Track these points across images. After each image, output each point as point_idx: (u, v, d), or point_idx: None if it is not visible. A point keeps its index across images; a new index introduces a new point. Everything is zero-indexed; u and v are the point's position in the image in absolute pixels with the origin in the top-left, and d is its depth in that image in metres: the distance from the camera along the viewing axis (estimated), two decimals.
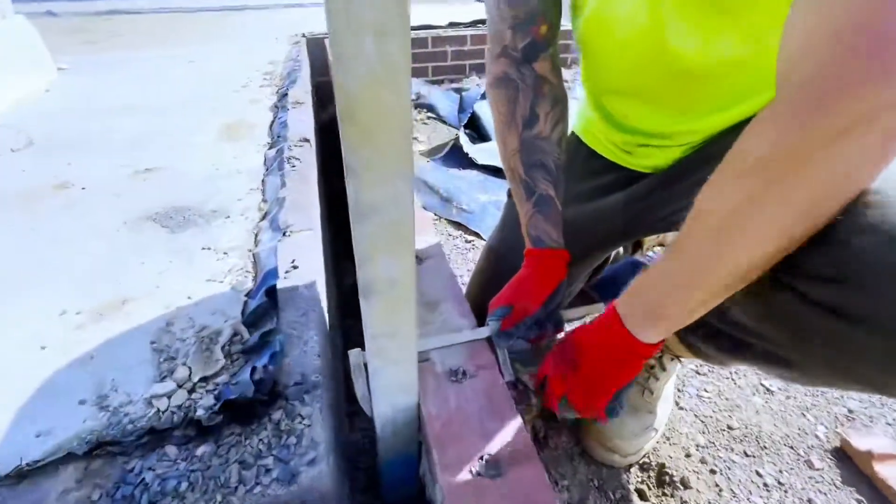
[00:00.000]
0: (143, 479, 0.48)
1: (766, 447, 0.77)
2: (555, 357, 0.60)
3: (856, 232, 0.37)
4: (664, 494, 0.71)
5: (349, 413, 0.87)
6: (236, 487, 0.48)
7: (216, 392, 0.55)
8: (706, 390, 0.87)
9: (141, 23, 3.00)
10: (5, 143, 1.27)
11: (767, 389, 0.87)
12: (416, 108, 2.30)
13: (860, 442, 0.74)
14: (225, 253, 0.83)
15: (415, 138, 2.04)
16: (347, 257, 1.16)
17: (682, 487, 0.72)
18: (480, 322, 0.69)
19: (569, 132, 0.71)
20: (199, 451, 0.50)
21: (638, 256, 1.15)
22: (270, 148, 1.23)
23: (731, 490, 0.71)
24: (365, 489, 0.74)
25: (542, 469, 0.49)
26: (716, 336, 0.65)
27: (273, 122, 1.40)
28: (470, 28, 2.65)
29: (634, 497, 0.71)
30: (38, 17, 2.84)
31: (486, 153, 1.80)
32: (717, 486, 0.71)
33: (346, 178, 0.37)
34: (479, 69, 2.75)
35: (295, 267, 0.80)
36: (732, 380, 0.89)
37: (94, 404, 0.55)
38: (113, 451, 0.50)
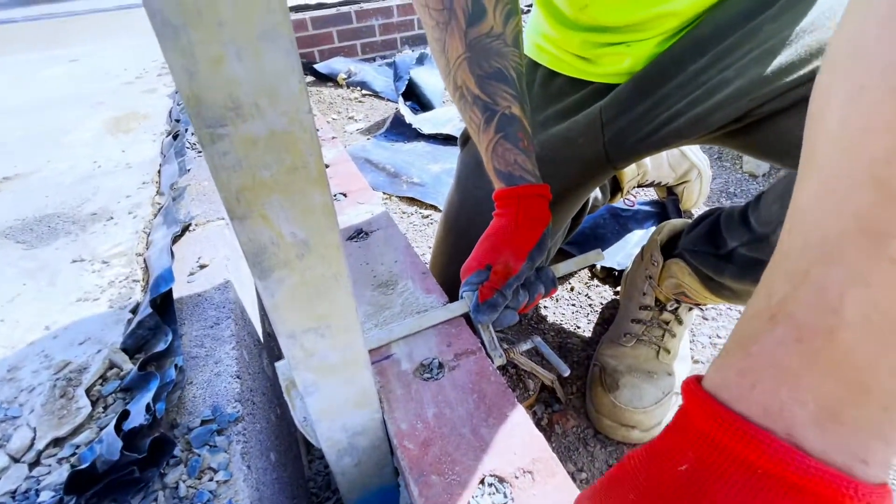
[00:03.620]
0: None
1: None
2: None
3: None
4: None
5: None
6: None
7: (73, 459, 0.37)
8: (719, 336, 0.76)
9: (17, 30, 2.60)
10: None
11: None
12: (348, 86, 2.10)
13: None
14: (104, 262, 0.62)
15: (351, 117, 1.84)
16: None
17: None
18: (453, 298, 0.53)
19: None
20: None
21: (617, 202, 1.03)
22: (168, 135, 1.01)
23: None
24: None
25: (568, 484, 0.34)
26: (742, 263, 0.53)
27: (171, 109, 1.17)
28: None
29: None
30: None
31: (432, 122, 1.63)
32: None
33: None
34: (412, 41, 2.57)
35: (202, 266, 0.61)
36: None
37: None
38: None
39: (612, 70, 0.60)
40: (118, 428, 0.36)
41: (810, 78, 0.44)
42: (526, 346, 0.52)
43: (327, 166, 0.86)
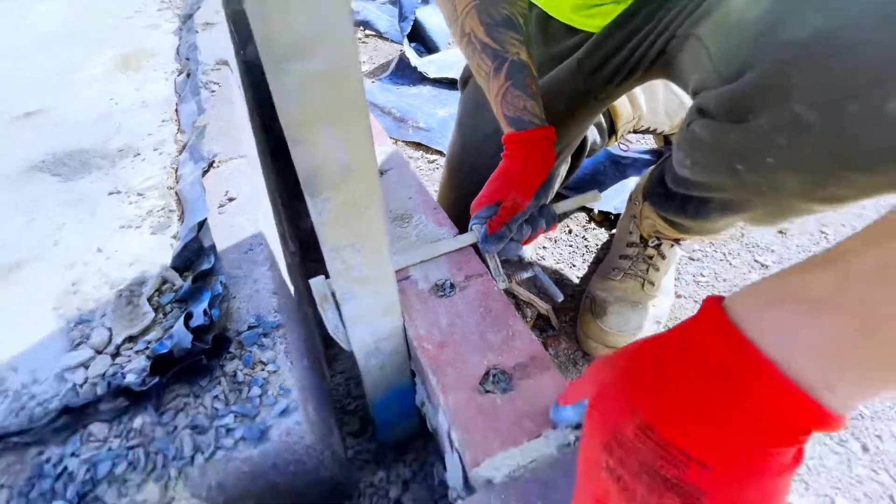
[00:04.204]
0: (66, 467, 0.37)
1: None
2: (627, 489, 0.26)
3: None
4: None
5: (328, 356, 0.78)
6: (193, 457, 0.38)
7: (147, 352, 0.44)
8: (703, 275, 0.83)
9: None
10: None
11: (762, 265, 0.84)
12: None
13: None
14: (139, 195, 0.67)
15: None
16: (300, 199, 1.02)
17: None
18: (459, 232, 0.59)
19: None
20: (136, 422, 0.40)
21: (613, 148, 1.06)
22: (180, 74, 1.02)
23: None
24: (358, 433, 0.66)
25: (559, 377, 0.42)
26: (684, 204, 0.63)
27: (179, 46, 1.17)
28: None
29: None
30: None
31: (438, 65, 1.62)
32: None
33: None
34: None
35: (231, 199, 0.66)
36: (728, 261, 0.85)
37: None
38: (20, 441, 0.39)
39: (603, 23, 0.63)
40: (185, 326, 0.42)
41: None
42: (526, 274, 0.59)
43: None
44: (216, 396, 0.42)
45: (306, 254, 1.02)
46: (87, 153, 0.77)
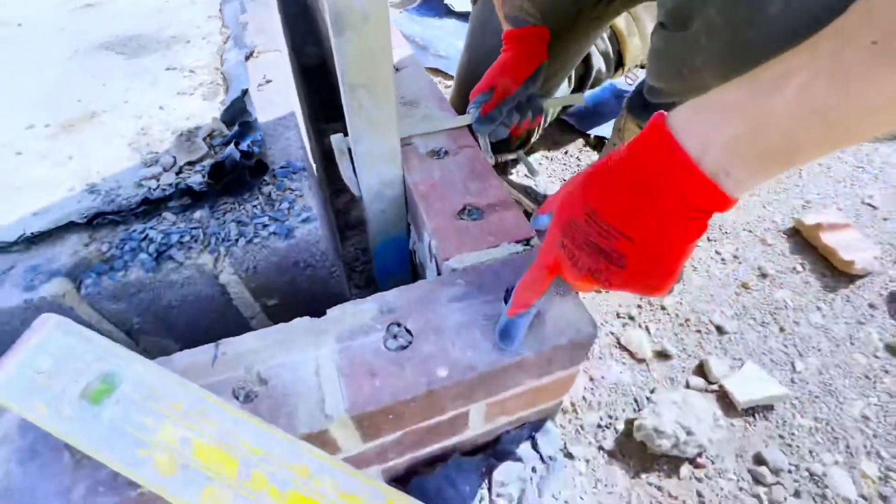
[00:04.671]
0: (147, 235, 0.50)
1: (726, 233, 0.84)
2: (572, 256, 0.36)
3: None
4: None
5: (341, 233, 0.91)
6: (237, 240, 0.51)
7: (203, 171, 0.57)
8: None
9: None
10: None
11: None
12: None
13: (811, 218, 0.81)
14: (191, 71, 0.79)
15: None
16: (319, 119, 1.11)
17: None
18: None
19: None
20: (196, 214, 0.53)
21: (618, 81, 1.13)
22: None
23: (692, 266, 0.79)
24: (362, 286, 0.80)
25: (519, 212, 0.53)
26: (648, 108, 0.69)
27: None
28: None
29: None
30: None
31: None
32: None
33: None
34: None
35: (268, 81, 0.77)
36: None
37: (84, 190, 0.56)
38: (113, 219, 0.52)
39: None
40: (235, 147, 0.55)
41: None
42: (511, 156, 0.69)
43: None
44: (255, 206, 0.54)
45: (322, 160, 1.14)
46: (144, 38, 0.89)
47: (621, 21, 0.99)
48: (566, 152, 1.04)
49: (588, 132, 1.07)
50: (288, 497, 0.32)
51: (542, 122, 0.97)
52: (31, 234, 0.51)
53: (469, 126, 0.66)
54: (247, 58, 0.81)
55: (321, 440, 0.39)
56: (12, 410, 0.33)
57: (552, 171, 0.99)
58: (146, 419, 0.34)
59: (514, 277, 0.45)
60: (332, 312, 0.45)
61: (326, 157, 1.12)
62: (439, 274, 0.51)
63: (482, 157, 0.61)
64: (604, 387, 0.67)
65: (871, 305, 0.74)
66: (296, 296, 0.59)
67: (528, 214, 0.87)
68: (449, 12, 1.63)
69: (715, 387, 0.65)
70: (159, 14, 0.97)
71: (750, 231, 0.85)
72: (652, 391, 0.66)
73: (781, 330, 0.71)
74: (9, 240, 0.50)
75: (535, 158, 1.02)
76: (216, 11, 0.98)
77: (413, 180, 0.58)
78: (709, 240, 0.83)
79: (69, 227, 0.52)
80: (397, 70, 0.79)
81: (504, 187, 0.56)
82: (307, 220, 0.53)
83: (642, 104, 0.73)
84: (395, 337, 0.42)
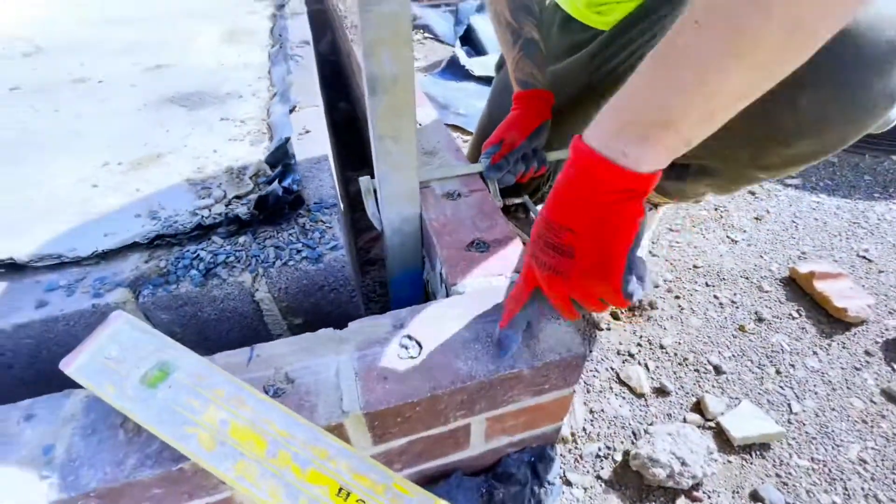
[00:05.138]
0: (198, 255, 0.59)
1: (724, 279, 0.88)
2: (537, 253, 0.42)
3: None
4: (634, 315, 0.83)
5: (361, 268, 0.99)
6: (274, 262, 0.59)
7: (249, 204, 0.66)
8: (677, 242, 0.97)
9: None
10: (19, 50, 1.32)
11: (732, 240, 0.98)
12: (413, 28, 2.30)
13: (806, 267, 0.85)
14: (242, 121, 0.91)
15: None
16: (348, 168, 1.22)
17: (649, 308, 0.83)
18: None
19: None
20: (241, 239, 0.61)
21: None
22: (273, 47, 1.28)
23: (692, 309, 0.83)
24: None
25: (519, 244, 0.60)
26: (668, 169, 0.74)
27: (273, 28, 1.44)
28: None
29: (608, 317, 0.83)
30: None
31: (483, 65, 1.83)
32: (679, 306, 0.83)
33: None
34: None
35: (307, 131, 0.89)
36: (702, 234, 0.99)
37: (147, 217, 0.66)
38: (170, 241, 0.61)
39: (609, 20, 0.81)
40: (278, 184, 0.64)
41: None
42: (517, 201, 0.77)
43: None
44: (291, 234, 0.63)
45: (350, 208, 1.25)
46: (204, 94, 1.03)
47: None
48: None
49: None
50: (308, 474, 0.37)
51: (549, 175, 1.06)
52: (102, 251, 0.59)
53: (481, 173, 0.75)
54: (290, 111, 0.93)
55: (337, 436, 0.44)
56: (88, 388, 0.39)
57: None
58: (194, 402, 0.40)
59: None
60: (353, 325, 0.51)
61: (351, 201, 1.23)
62: (448, 297, 0.58)
63: (491, 199, 0.69)
64: (603, 419, 0.69)
65: (866, 352, 0.76)
66: (319, 317, 0.65)
67: None
68: (468, 76, 1.80)
69: (712, 423, 0.68)
70: (216, 74, 1.13)
71: (747, 278, 0.89)
72: (650, 425, 0.68)
73: (778, 372, 0.73)
74: (83, 255, 0.59)
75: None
76: (265, 73, 1.13)
77: (429, 217, 0.66)
78: (707, 285, 0.88)
79: (133, 247, 0.60)
80: (420, 125, 0.90)
81: (510, 226, 0.63)
82: (335, 248, 0.61)
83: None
84: (406, 348, 0.48)
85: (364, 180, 0.71)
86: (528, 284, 0.45)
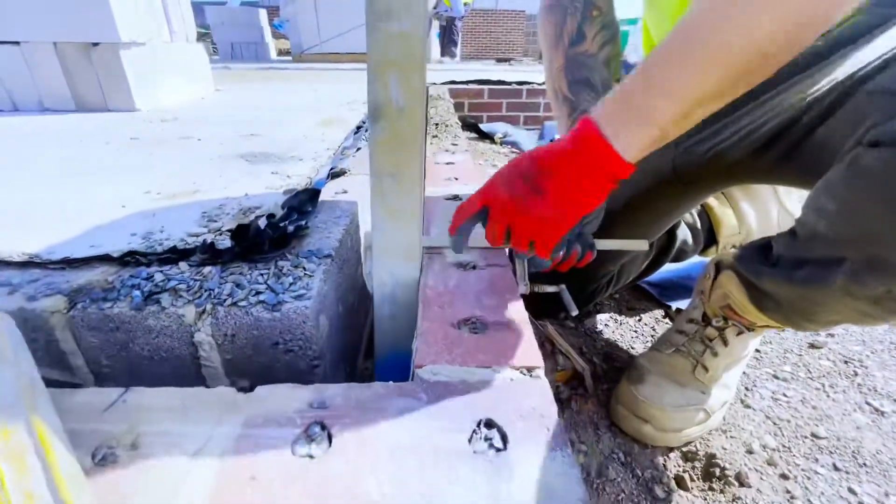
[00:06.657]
0: (152, 276, 0.51)
1: (866, 465, 0.57)
2: (508, 177, 0.47)
3: None
4: (711, 488, 0.56)
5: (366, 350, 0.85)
6: (224, 300, 0.49)
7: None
8: (785, 395, 0.69)
9: (289, 74, 3.63)
10: (160, 118, 1.58)
11: (876, 409, 0.66)
12: (502, 144, 2.41)
13: None
14: (288, 176, 0.91)
15: (494, 165, 2.10)
16: None
17: (736, 484, 0.55)
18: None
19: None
20: (206, 269, 0.53)
21: (709, 258, 1.01)
22: (355, 131, 1.37)
23: (809, 500, 0.53)
24: None
25: (531, 338, 0.43)
26: (793, 268, 0.51)
27: (362, 119, 1.57)
28: None
29: (670, 482, 0.57)
30: (216, 69, 3.61)
31: None
32: (788, 492, 0.54)
33: None
34: None
35: (344, 192, 0.85)
36: (825, 391, 0.70)
37: (141, 237, 0.62)
38: (139, 259, 0.55)
39: None
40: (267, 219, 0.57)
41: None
42: (550, 289, 0.61)
43: (452, 164, 1.07)
44: (262, 274, 0.53)
45: None
46: (272, 155, 1.08)
47: (711, 198, 0.94)
48: (639, 319, 0.90)
49: (669, 303, 0.94)
50: None
51: (614, 282, 0.88)
52: (68, 258, 0.55)
53: (509, 251, 0.62)
54: (334, 175, 0.91)
55: None
56: None
57: (620, 335, 0.86)
58: None
59: (492, 413, 0.33)
60: (261, 391, 0.37)
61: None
62: (408, 380, 0.41)
63: (510, 276, 0.55)
64: None
65: None
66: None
67: (577, 375, 0.72)
68: None
69: None
70: (294, 143, 1.21)
71: None
72: None
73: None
74: (50, 258, 0.55)
75: (602, 319, 0.90)
76: (336, 147, 1.18)
77: (425, 282, 0.53)
78: (836, 468, 0.57)
79: (103, 259, 0.55)
80: (458, 198, 0.81)
81: (524, 313, 0.47)
82: (299, 298, 0.49)
83: (763, 258, 0.58)
84: (310, 441, 0.32)
85: (367, 233, 0.62)
86: (480, 201, 0.49)
